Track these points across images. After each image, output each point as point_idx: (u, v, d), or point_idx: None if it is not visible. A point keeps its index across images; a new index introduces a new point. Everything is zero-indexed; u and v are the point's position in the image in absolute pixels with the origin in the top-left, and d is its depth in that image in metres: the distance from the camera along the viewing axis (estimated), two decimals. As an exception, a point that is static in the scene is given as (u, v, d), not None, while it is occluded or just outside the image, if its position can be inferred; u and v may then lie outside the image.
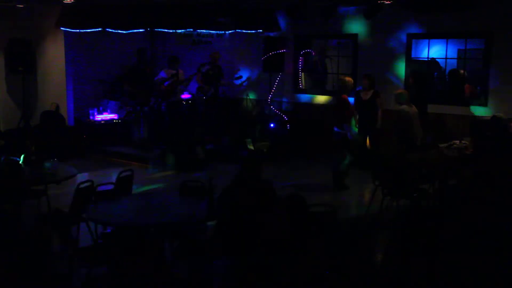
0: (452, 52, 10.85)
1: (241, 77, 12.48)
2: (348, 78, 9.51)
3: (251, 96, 12.79)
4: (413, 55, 10.98)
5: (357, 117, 9.34)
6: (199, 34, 12.02)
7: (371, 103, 10.06)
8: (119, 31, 11.19)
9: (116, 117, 12.48)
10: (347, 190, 9.36)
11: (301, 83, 12.49)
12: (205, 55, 12.55)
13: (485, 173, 7.24)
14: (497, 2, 9.58)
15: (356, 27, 11.39)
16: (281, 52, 11.88)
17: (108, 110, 12.52)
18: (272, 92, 12.26)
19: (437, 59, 11.32)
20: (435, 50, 11.37)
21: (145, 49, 12.58)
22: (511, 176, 7.04)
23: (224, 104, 12.44)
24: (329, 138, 9.58)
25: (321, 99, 12.10)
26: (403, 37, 10.82)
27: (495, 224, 6.38)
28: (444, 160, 8.28)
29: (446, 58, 10.82)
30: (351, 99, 9.91)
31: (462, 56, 10.83)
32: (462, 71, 10.67)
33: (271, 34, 12.09)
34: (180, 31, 11.62)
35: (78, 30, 11.26)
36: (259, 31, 12.24)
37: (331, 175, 9.47)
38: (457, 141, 8.81)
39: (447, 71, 11.20)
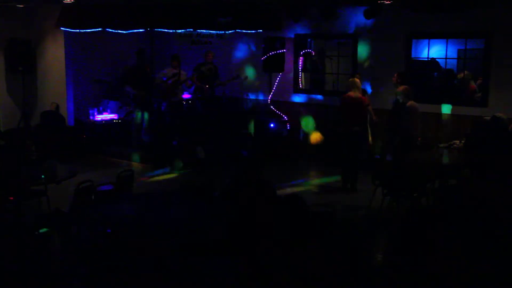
0: (452, 52, 10.85)
1: (238, 76, 12.44)
2: (357, 79, 9.55)
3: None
4: (413, 55, 10.97)
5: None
6: (199, 34, 12.02)
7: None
8: (119, 31, 11.19)
9: (116, 117, 12.48)
10: (348, 190, 9.37)
11: (301, 83, 12.48)
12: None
13: (484, 172, 7.25)
14: (497, 2, 9.58)
15: (356, 27, 11.38)
16: (281, 52, 11.88)
17: (108, 110, 12.52)
18: (272, 92, 12.27)
19: (437, 59, 11.32)
20: (435, 50, 11.37)
21: (145, 49, 12.57)
22: (510, 176, 7.04)
23: (223, 104, 12.45)
24: (331, 138, 9.60)
25: (321, 99, 12.10)
26: (403, 37, 10.81)
27: (495, 224, 6.38)
28: (444, 160, 8.28)
29: (446, 58, 10.81)
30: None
31: (462, 56, 10.82)
32: (466, 72, 10.65)
33: (271, 34, 12.09)
34: (180, 31, 11.61)
35: (78, 30, 11.26)
36: (259, 31, 12.24)
37: (341, 176, 9.48)
38: (457, 141, 8.82)
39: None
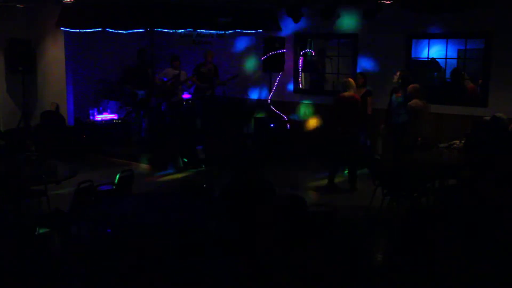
0: (452, 52, 10.85)
1: (237, 75, 12.45)
2: (351, 79, 9.57)
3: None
4: (413, 55, 10.97)
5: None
6: (199, 34, 12.02)
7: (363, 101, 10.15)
8: (119, 31, 11.20)
9: (116, 117, 12.48)
10: (347, 190, 9.38)
11: (301, 83, 12.49)
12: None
13: (484, 172, 7.25)
14: (497, 2, 9.58)
15: (356, 27, 11.38)
16: (281, 52, 11.88)
17: (108, 110, 12.52)
18: (272, 92, 12.27)
19: (437, 59, 11.32)
20: (435, 50, 11.37)
21: (145, 49, 12.59)
22: (510, 176, 7.04)
23: (222, 104, 12.45)
24: (329, 138, 9.61)
25: (321, 99, 12.10)
26: (403, 37, 10.82)
27: (495, 224, 6.38)
28: (444, 160, 8.29)
29: (446, 58, 10.81)
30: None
31: (462, 56, 10.82)
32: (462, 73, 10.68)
33: (271, 34, 12.09)
34: (180, 31, 11.61)
35: (78, 30, 11.27)
36: (259, 31, 12.23)
37: (330, 177, 9.52)
38: (457, 141, 8.81)
39: (447, 71, 11.20)
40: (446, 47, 10.69)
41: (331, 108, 9.75)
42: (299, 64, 12.34)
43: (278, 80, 12.31)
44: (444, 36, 10.61)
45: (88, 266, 5.87)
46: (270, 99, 12.28)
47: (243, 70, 12.84)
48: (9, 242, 6.78)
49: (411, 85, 9.12)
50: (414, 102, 8.93)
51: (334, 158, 9.54)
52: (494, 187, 6.90)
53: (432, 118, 10.03)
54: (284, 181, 9.69)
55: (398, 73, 9.84)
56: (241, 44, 12.97)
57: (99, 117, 12.31)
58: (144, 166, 10.90)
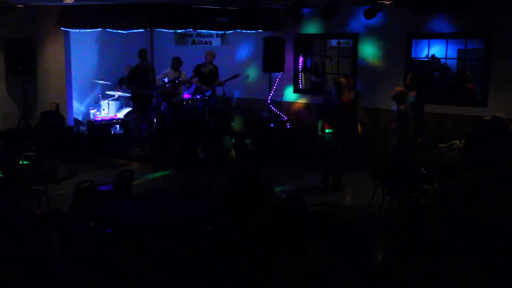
0: (452, 52, 10.85)
1: (237, 75, 12.44)
2: (343, 79, 9.58)
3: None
4: (413, 55, 10.97)
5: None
6: (199, 34, 12.01)
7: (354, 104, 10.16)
8: (119, 31, 11.20)
9: (116, 117, 12.48)
10: (346, 190, 9.38)
11: (301, 83, 12.48)
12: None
13: (484, 173, 7.25)
14: (497, 2, 9.58)
15: (356, 27, 11.38)
16: (281, 52, 11.87)
17: (108, 110, 12.52)
18: (272, 92, 12.26)
19: (437, 57, 11.32)
20: (435, 50, 11.37)
21: (146, 50, 12.60)
22: (509, 176, 7.04)
23: (222, 104, 12.46)
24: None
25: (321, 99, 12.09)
26: (403, 37, 10.81)
27: (495, 224, 6.38)
28: (444, 160, 8.29)
29: (446, 58, 10.81)
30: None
31: (462, 56, 10.82)
32: (468, 72, 10.64)
33: (271, 34, 12.09)
34: (180, 31, 11.60)
35: (78, 30, 11.27)
36: (259, 31, 12.23)
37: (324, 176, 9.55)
38: (457, 141, 8.81)
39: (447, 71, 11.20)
40: (446, 47, 10.69)
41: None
42: (299, 64, 12.33)
43: (278, 80, 12.31)
44: (444, 36, 10.60)
45: (88, 266, 5.87)
46: (270, 99, 12.27)
47: (243, 70, 12.84)
48: (9, 242, 6.79)
49: (399, 88, 8.98)
50: (403, 106, 8.84)
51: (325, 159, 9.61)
52: (494, 187, 6.89)
53: (432, 118, 10.07)
54: (284, 181, 9.70)
55: (410, 74, 9.80)
56: (241, 44, 12.96)
57: (99, 117, 12.31)
58: (144, 166, 10.90)
